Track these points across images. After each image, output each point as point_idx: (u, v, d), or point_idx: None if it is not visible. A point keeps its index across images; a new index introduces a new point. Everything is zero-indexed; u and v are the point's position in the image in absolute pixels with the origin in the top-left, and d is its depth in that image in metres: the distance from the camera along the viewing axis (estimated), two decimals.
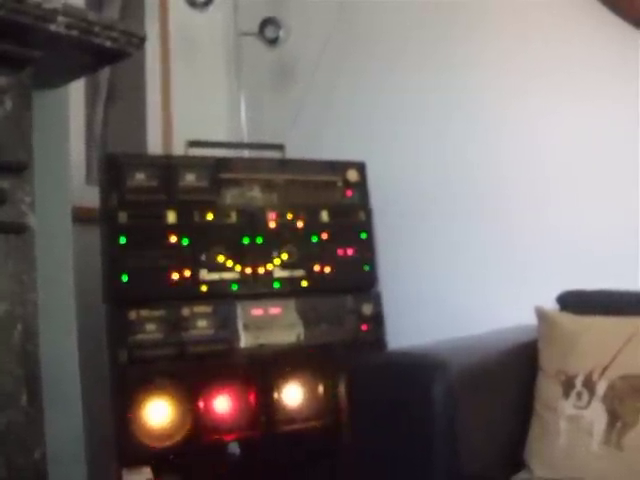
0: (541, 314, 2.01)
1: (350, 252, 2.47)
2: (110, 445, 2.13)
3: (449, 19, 2.69)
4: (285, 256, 2.36)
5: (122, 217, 2.17)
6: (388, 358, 1.89)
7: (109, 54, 1.66)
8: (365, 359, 1.88)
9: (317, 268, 2.42)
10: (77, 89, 2.61)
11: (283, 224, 2.39)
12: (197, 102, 3.15)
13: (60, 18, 1.51)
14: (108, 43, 1.61)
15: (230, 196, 2.34)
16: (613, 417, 1.73)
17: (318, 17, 3.05)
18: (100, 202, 2.24)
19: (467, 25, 2.65)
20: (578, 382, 1.80)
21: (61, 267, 1.93)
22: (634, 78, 2.26)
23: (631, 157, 2.27)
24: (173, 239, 2.22)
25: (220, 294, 2.27)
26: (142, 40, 1.70)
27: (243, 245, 2.32)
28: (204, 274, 2.25)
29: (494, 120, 2.58)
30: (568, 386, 1.82)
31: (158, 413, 2.12)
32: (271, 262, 2.35)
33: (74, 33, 1.54)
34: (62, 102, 1.94)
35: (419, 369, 1.64)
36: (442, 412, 1.59)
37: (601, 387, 1.77)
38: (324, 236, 2.45)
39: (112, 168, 2.21)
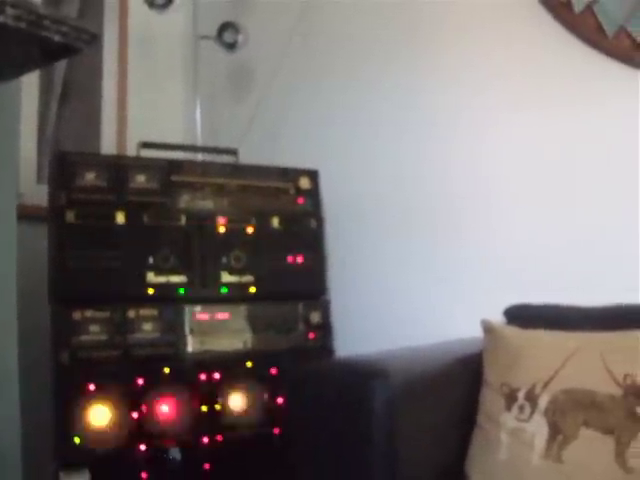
0: (487, 327, 2.01)
1: (300, 259, 2.46)
2: (48, 446, 2.10)
3: (408, 31, 2.71)
4: (234, 262, 2.35)
5: (70, 216, 2.14)
6: (329, 366, 1.88)
7: (58, 48, 1.64)
8: (307, 367, 1.87)
9: (266, 275, 2.40)
10: (30, 86, 2.58)
11: (233, 229, 2.38)
12: (152, 104, 3.14)
13: (8, 10, 1.49)
14: (57, 37, 1.58)
15: (181, 199, 2.32)
16: (554, 430, 1.74)
17: (277, 24, 3.05)
18: (48, 200, 2.22)
19: (425, 37, 2.66)
20: (521, 395, 1.80)
21: (3, 265, 1.91)
22: (585, 92, 2.30)
23: (578, 172, 2.30)
24: (121, 240, 2.20)
25: (167, 297, 2.25)
26: (93, 36, 1.68)
27: (192, 249, 2.30)
28: (151, 277, 2.23)
29: (444, 134, 2.59)
30: (511, 399, 1.82)
31: (99, 415, 2.09)
32: (219, 267, 2.33)
33: (22, 25, 1.52)
34: (12, 97, 1.92)
35: (360, 378, 1.63)
36: (381, 422, 1.58)
37: (543, 400, 1.77)
38: (274, 243, 2.44)
39: (62, 166, 2.18)
